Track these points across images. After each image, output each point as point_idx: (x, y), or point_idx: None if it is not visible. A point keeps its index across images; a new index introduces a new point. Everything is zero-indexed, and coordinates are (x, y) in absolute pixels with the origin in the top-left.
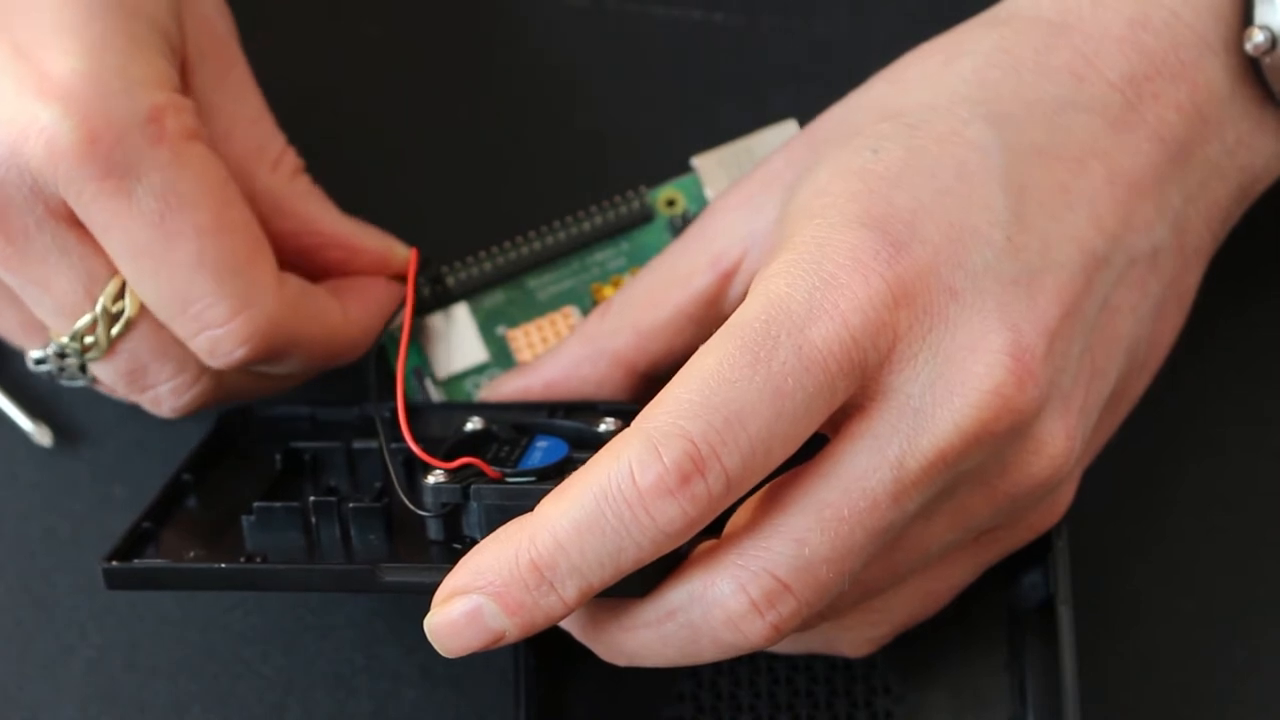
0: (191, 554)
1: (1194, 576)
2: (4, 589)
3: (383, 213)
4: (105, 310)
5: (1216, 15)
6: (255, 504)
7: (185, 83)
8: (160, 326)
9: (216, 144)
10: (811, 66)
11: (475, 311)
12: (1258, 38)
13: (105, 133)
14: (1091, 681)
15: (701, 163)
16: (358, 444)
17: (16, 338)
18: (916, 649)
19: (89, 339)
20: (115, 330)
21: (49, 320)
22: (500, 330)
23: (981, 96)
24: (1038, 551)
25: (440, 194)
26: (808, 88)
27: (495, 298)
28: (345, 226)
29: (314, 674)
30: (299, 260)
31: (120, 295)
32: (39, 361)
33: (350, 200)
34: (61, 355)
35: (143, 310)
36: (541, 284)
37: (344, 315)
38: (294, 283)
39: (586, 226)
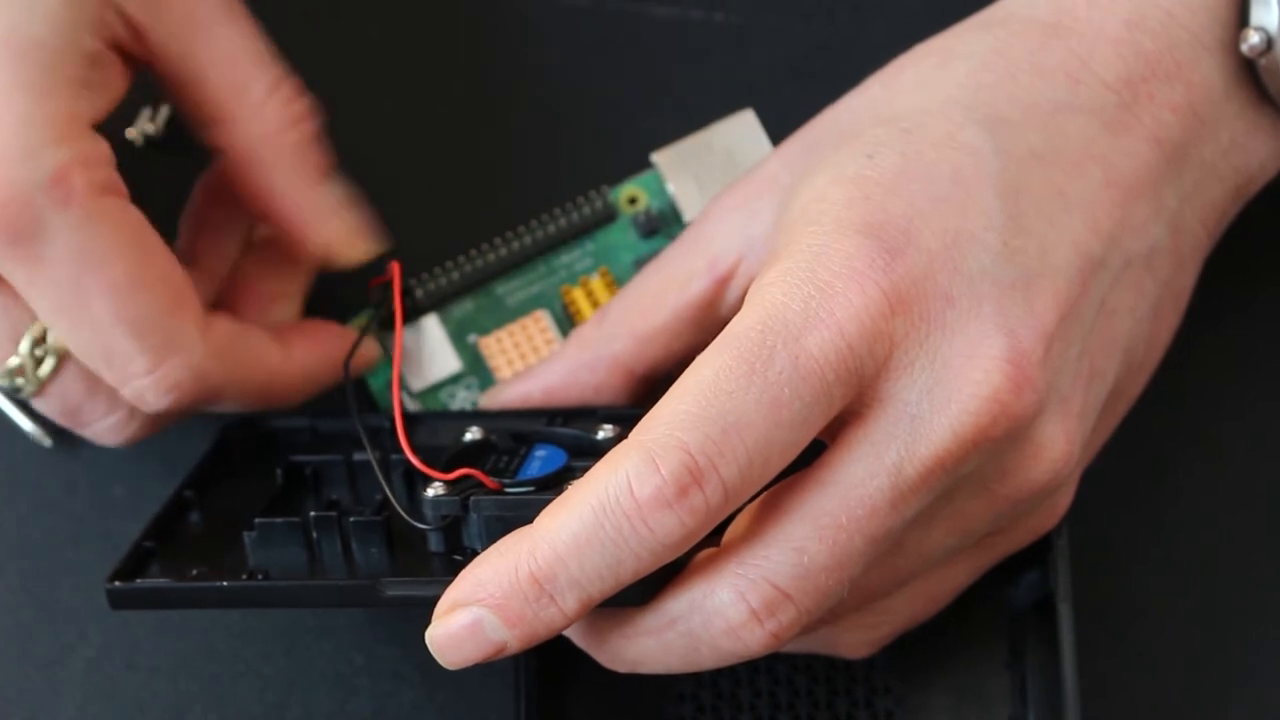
0: (194, 572)
1: (1193, 576)
2: (4, 589)
3: None
4: (29, 354)
5: (1212, 16)
6: (256, 520)
7: (145, 43)
8: (87, 370)
9: (191, 90)
10: (811, 66)
11: (445, 322)
12: (1253, 39)
13: (7, 202)
14: (1091, 681)
15: (661, 158)
16: (359, 456)
17: None
18: (917, 649)
19: (19, 380)
20: (43, 372)
21: None
22: (472, 339)
23: (976, 100)
24: (1037, 551)
25: (413, 201)
26: (808, 88)
27: (464, 307)
28: (302, 205)
29: (314, 674)
30: (264, 220)
31: (43, 339)
32: None
33: None
34: None
35: (68, 355)
36: (510, 290)
37: (284, 358)
38: (223, 327)
39: (551, 229)
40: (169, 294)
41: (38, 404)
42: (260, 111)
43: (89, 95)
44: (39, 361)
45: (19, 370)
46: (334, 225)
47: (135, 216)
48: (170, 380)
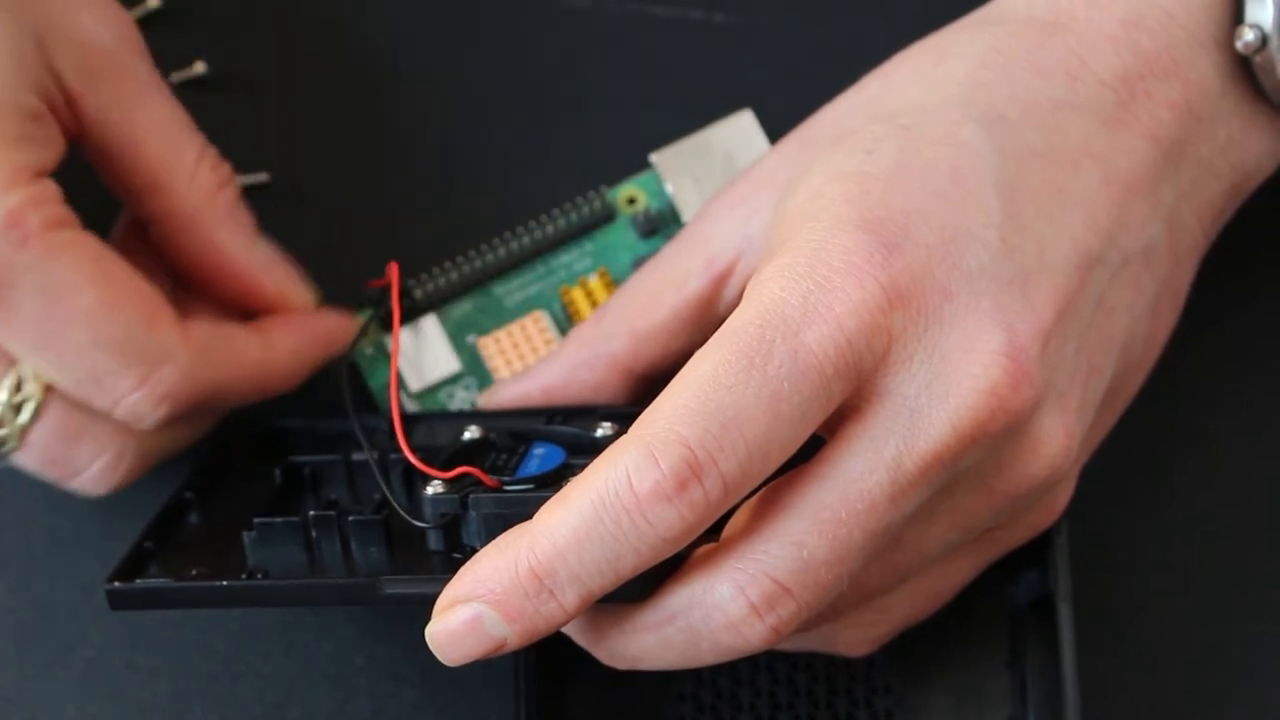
0: (194, 572)
1: (1191, 574)
2: (5, 589)
3: (350, 228)
4: (8, 402)
5: (1209, 13)
6: (255, 520)
7: (78, 112)
8: (69, 412)
9: (128, 159)
10: (811, 66)
11: (444, 322)
12: (1248, 36)
13: None
14: (1091, 681)
15: (660, 158)
16: (357, 456)
17: None
18: (917, 648)
19: (1, 432)
20: (22, 420)
21: None
22: (471, 339)
23: (974, 98)
24: (1037, 550)
25: (412, 201)
26: (807, 88)
27: (463, 307)
28: (249, 260)
29: (314, 674)
30: (201, 284)
31: (19, 387)
32: None
33: (317, 221)
34: None
35: (47, 397)
36: (508, 290)
37: (266, 346)
38: (201, 330)
39: (550, 229)
40: (142, 308)
41: (22, 458)
42: (194, 177)
43: (33, 148)
44: (17, 410)
45: None
46: (281, 273)
47: (93, 243)
48: (162, 389)
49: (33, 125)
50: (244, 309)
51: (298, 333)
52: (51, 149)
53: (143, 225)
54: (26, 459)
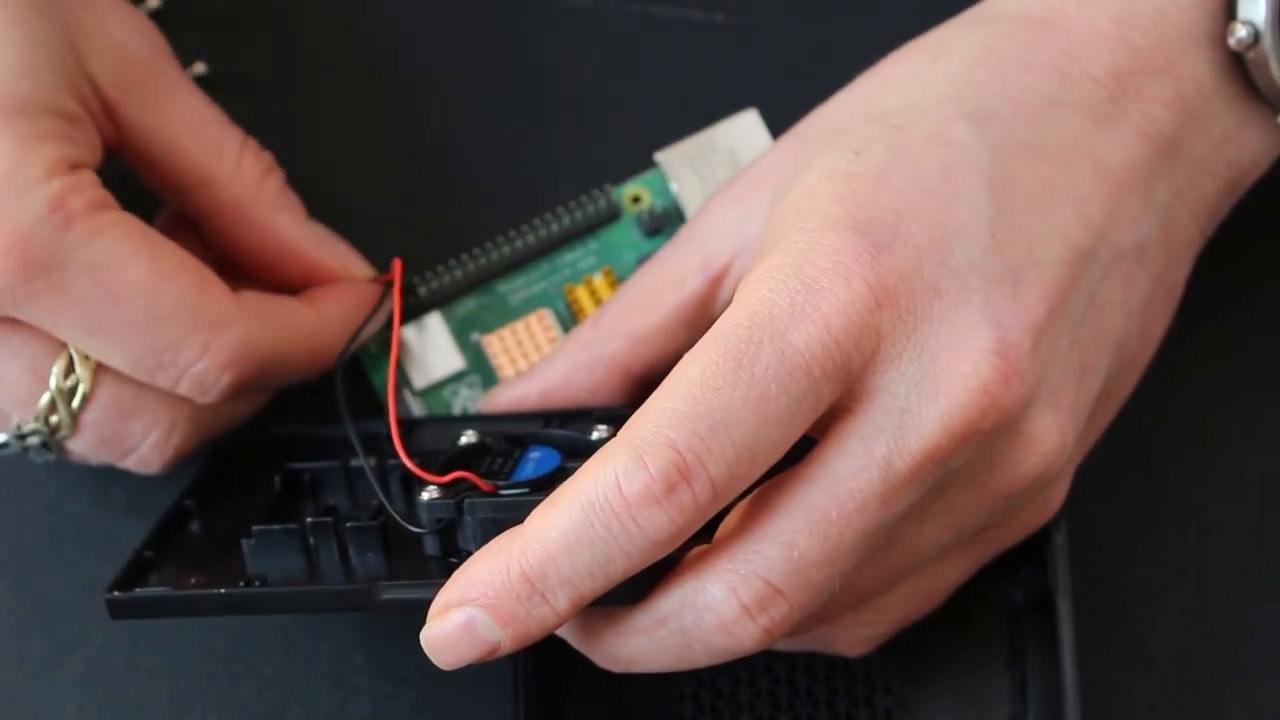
0: (193, 580)
1: (1186, 571)
2: (4, 589)
3: (352, 223)
4: (59, 388)
5: (1201, 10)
6: (254, 527)
7: (115, 119)
8: (120, 390)
9: (171, 160)
10: (811, 66)
11: (448, 320)
12: (1240, 33)
13: (14, 240)
14: (1087, 677)
15: (665, 157)
16: (356, 462)
17: None
18: (916, 648)
19: (53, 419)
20: (75, 404)
21: (9, 410)
22: (475, 337)
23: (966, 96)
24: (1036, 549)
25: (416, 200)
26: (808, 88)
27: (468, 305)
28: (305, 241)
29: (314, 674)
30: (261, 270)
31: (70, 369)
32: (2, 445)
33: (321, 215)
34: (22, 437)
35: (97, 379)
36: (513, 288)
37: (318, 316)
38: (253, 297)
39: (555, 228)
40: (194, 278)
41: (75, 444)
42: (238, 168)
43: (72, 146)
44: (69, 395)
45: (51, 408)
46: (339, 249)
47: (136, 221)
48: (224, 356)
49: (70, 127)
50: (305, 286)
51: (343, 302)
52: (89, 151)
53: (185, 221)
54: (79, 443)
